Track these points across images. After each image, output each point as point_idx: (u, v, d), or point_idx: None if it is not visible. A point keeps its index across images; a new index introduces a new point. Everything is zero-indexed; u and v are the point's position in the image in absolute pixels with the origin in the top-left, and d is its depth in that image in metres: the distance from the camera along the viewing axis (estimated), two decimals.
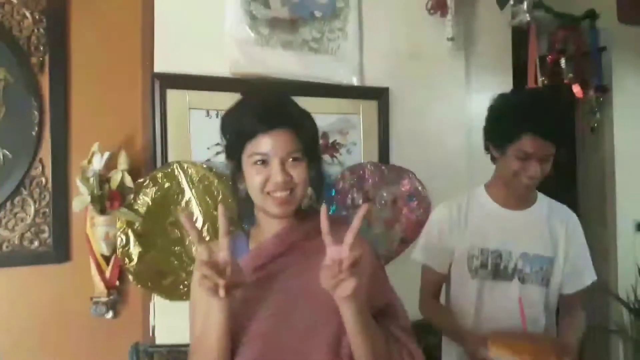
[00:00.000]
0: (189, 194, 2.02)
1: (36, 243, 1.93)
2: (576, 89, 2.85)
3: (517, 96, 1.68)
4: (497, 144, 1.62)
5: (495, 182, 1.71)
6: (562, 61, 2.83)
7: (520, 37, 2.74)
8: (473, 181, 2.50)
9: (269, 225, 1.21)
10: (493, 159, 1.71)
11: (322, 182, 1.25)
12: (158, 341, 1.98)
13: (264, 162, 1.13)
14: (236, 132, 1.16)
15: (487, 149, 1.69)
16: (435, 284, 1.76)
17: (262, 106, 1.16)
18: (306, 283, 1.10)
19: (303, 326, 1.12)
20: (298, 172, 1.15)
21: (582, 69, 2.93)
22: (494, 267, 1.64)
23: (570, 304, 1.71)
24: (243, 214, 1.25)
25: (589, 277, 1.69)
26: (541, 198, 1.72)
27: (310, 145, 1.18)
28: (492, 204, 1.69)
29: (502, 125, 1.58)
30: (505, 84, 2.73)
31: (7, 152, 1.88)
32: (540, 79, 2.72)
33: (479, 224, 1.68)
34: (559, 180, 3.63)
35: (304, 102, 2.29)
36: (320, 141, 2.18)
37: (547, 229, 1.66)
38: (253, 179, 1.14)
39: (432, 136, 2.43)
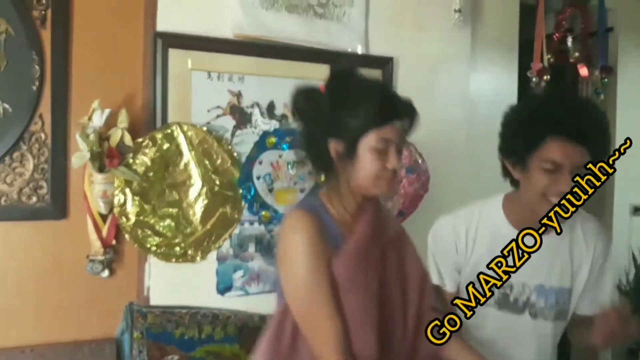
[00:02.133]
0: (187, 156, 2.02)
1: (34, 199, 1.93)
2: (582, 68, 2.83)
3: (535, 98, 1.46)
4: (516, 159, 1.32)
5: (514, 199, 1.43)
6: (569, 40, 2.80)
7: (527, 14, 2.72)
8: (473, 156, 2.51)
9: (349, 200, 1.23)
10: (514, 183, 1.44)
11: None
12: (152, 302, 1.99)
13: (384, 151, 1.17)
14: (364, 114, 1.16)
15: (505, 173, 1.42)
16: (449, 304, 1.51)
17: (394, 97, 1.23)
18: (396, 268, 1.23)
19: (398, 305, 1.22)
20: (400, 160, 1.21)
21: (588, 48, 2.90)
22: (503, 299, 1.42)
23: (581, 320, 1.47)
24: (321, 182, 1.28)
25: (608, 298, 1.45)
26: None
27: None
28: (507, 226, 1.41)
29: (521, 132, 1.30)
30: (511, 60, 2.72)
31: (7, 106, 1.87)
32: (546, 57, 2.70)
33: (489, 249, 1.41)
34: None
35: (307, 68, 2.30)
36: None
37: (567, 256, 1.42)
38: (371, 164, 1.16)
39: (434, 109, 2.41)
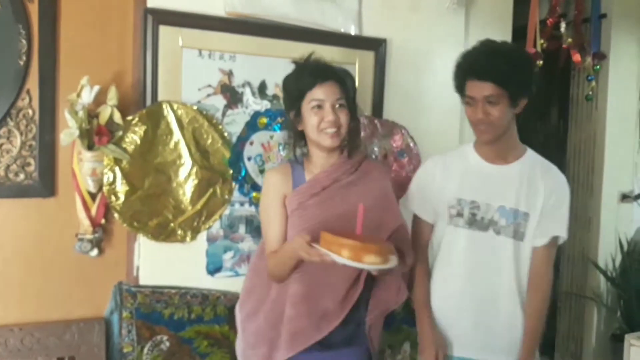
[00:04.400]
0: (178, 135, 2.00)
1: (22, 176, 1.91)
2: (574, 54, 2.83)
3: (472, 48, 1.70)
4: (461, 96, 1.68)
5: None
6: (562, 25, 2.80)
7: None
8: (464, 139, 2.50)
9: (320, 159, 1.60)
10: None
11: (358, 129, 1.66)
12: (142, 281, 1.98)
13: (320, 107, 1.52)
14: (298, 86, 1.55)
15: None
16: (423, 235, 1.79)
17: (316, 66, 1.57)
18: (346, 207, 1.51)
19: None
20: (343, 115, 1.54)
21: (581, 34, 2.90)
22: (471, 217, 1.68)
23: (539, 266, 1.68)
24: (297, 147, 1.63)
25: (559, 230, 1.68)
26: (529, 155, 1.73)
27: (351, 97, 1.59)
28: (475, 157, 1.73)
29: (455, 75, 1.67)
30: None
31: None
32: (539, 42, 2.70)
33: (461, 176, 1.72)
34: (549, 146, 3.65)
35: (299, 48, 2.28)
36: None
37: (526, 184, 1.67)
38: (311, 119, 1.53)
39: (427, 92, 2.41)
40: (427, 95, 2.42)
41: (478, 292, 1.69)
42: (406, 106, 2.36)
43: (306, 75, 1.55)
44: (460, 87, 1.66)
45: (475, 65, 1.59)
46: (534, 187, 1.68)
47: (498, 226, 1.67)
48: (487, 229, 1.68)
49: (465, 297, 1.70)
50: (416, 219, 1.81)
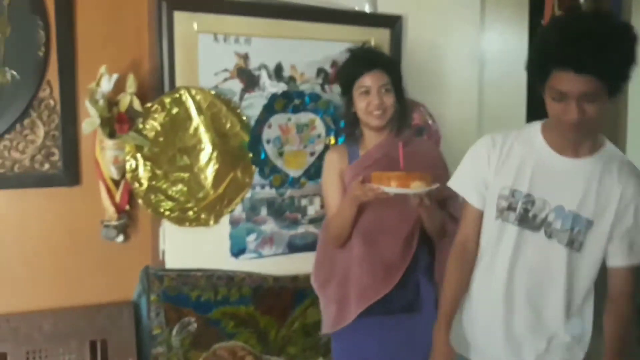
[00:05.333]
0: (197, 120, 2.01)
1: (47, 165, 1.94)
2: None
3: (541, 32, 1.40)
4: (537, 84, 1.35)
5: (550, 122, 1.41)
6: None
7: None
8: (483, 115, 2.49)
9: (371, 138, 1.83)
10: None
11: (405, 110, 1.87)
12: (168, 265, 2.01)
13: (367, 92, 1.75)
14: (349, 75, 1.79)
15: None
16: (472, 223, 1.54)
17: (364, 55, 1.83)
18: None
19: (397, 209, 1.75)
20: (388, 98, 1.76)
21: (601, 4, 2.84)
22: (523, 213, 1.41)
23: (622, 286, 1.42)
24: (352, 129, 1.88)
25: None
26: (607, 150, 1.41)
27: (397, 82, 1.80)
28: (541, 143, 1.43)
29: (534, 60, 1.35)
30: (521, 17, 2.67)
31: (15, 73, 1.86)
32: (557, 13, 2.65)
33: (520, 163, 1.43)
34: None
35: (314, 29, 2.28)
36: (330, 70, 2.16)
37: (596, 185, 1.37)
38: (361, 103, 1.77)
39: (444, 69, 2.39)
40: (444, 72, 2.40)
41: (519, 304, 1.43)
42: (424, 84, 2.34)
43: (355, 64, 1.79)
44: (541, 76, 1.31)
45: (570, 54, 1.22)
46: (607, 190, 1.37)
47: (551, 228, 1.39)
48: (538, 229, 1.41)
49: (502, 306, 1.44)
50: (465, 203, 1.56)
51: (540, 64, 1.30)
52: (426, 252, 1.84)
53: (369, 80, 1.75)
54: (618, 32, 1.25)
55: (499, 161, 1.45)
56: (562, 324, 1.42)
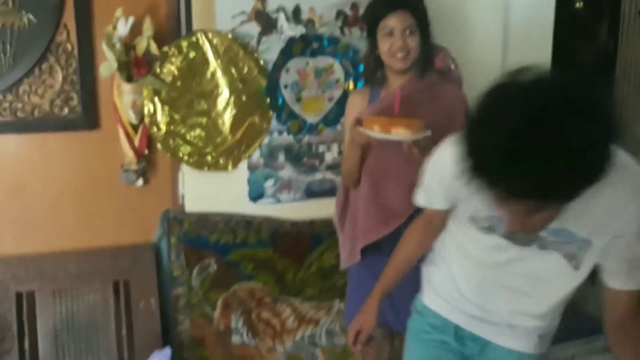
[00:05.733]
0: (214, 64, 1.99)
1: (66, 110, 1.96)
2: None
3: None
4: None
5: None
6: None
7: None
8: (507, 60, 2.41)
9: (394, 80, 1.76)
10: None
11: (429, 53, 1.79)
12: (187, 209, 2.05)
13: (390, 34, 1.69)
14: (373, 16, 1.74)
15: None
16: (439, 218, 1.37)
17: None
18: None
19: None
20: (411, 40, 1.69)
21: None
22: (508, 232, 1.19)
23: (630, 310, 1.18)
24: (375, 70, 1.81)
25: None
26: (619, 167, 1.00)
27: (423, 24, 1.73)
28: None
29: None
30: None
31: (32, 17, 1.85)
32: None
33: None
34: (597, 67, 3.49)
35: None
36: (350, 13, 2.11)
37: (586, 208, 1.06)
38: (384, 45, 1.70)
39: (467, 11, 2.30)
40: (467, 16, 2.31)
41: (501, 293, 1.28)
42: (447, 27, 2.25)
43: (379, 4, 1.74)
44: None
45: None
46: (614, 210, 1.08)
47: (544, 242, 1.17)
48: (529, 244, 1.19)
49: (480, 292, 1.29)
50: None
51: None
52: None
53: (393, 21, 1.68)
54: None
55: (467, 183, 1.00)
56: (540, 316, 1.29)
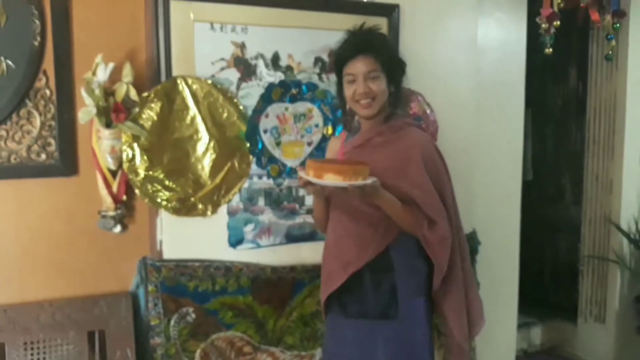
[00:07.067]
0: (194, 110, 2.00)
1: (43, 156, 1.94)
2: (593, 13, 2.75)
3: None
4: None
5: None
6: None
7: None
8: (480, 104, 2.48)
9: (365, 125, 1.75)
10: None
11: (398, 95, 1.74)
12: (166, 255, 2.01)
13: (354, 80, 1.64)
14: (338, 62, 1.69)
15: None
16: None
17: (350, 41, 1.68)
18: (371, 165, 1.56)
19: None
20: (376, 84, 1.63)
21: None
22: None
23: None
24: (352, 116, 1.86)
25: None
26: None
27: (388, 66, 1.65)
28: None
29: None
30: (519, 6, 2.66)
31: (10, 63, 1.85)
32: (556, 1, 2.63)
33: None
34: (568, 109, 3.58)
35: (311, 17, 2.24)
36: (326, 59, 2.15)
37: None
38: (348, 91, 1.67)
39: (442, 57, 2.38)
40: (442, 61, 2.38)
41: None
42: (421, 73, 2.31)
43: (341, 51, 1.68)
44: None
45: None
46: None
47: None
48: None
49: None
50: None
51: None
52: (409, 256, 1.70)
53: (355, 66, 1.62)
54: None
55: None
56: None
